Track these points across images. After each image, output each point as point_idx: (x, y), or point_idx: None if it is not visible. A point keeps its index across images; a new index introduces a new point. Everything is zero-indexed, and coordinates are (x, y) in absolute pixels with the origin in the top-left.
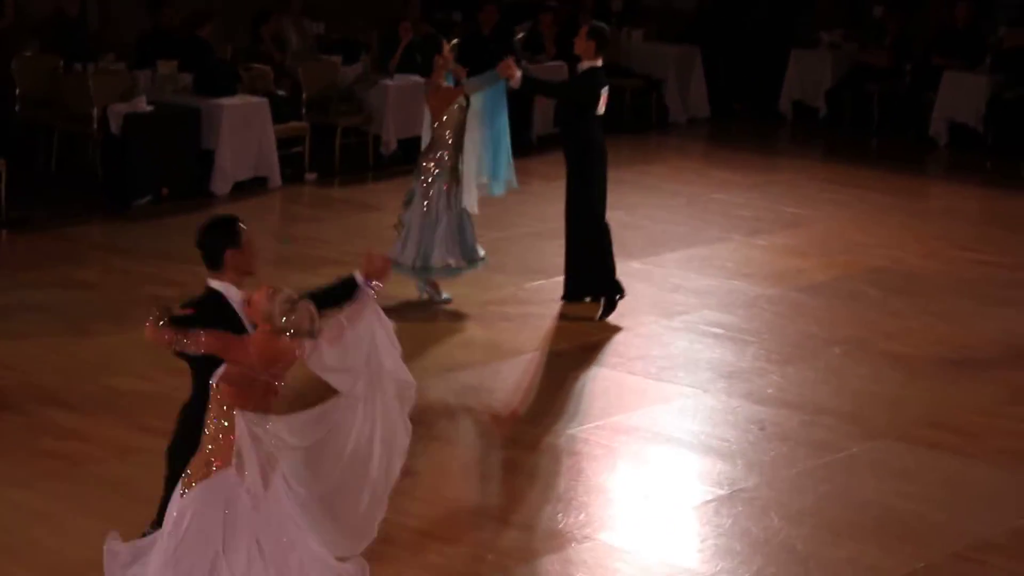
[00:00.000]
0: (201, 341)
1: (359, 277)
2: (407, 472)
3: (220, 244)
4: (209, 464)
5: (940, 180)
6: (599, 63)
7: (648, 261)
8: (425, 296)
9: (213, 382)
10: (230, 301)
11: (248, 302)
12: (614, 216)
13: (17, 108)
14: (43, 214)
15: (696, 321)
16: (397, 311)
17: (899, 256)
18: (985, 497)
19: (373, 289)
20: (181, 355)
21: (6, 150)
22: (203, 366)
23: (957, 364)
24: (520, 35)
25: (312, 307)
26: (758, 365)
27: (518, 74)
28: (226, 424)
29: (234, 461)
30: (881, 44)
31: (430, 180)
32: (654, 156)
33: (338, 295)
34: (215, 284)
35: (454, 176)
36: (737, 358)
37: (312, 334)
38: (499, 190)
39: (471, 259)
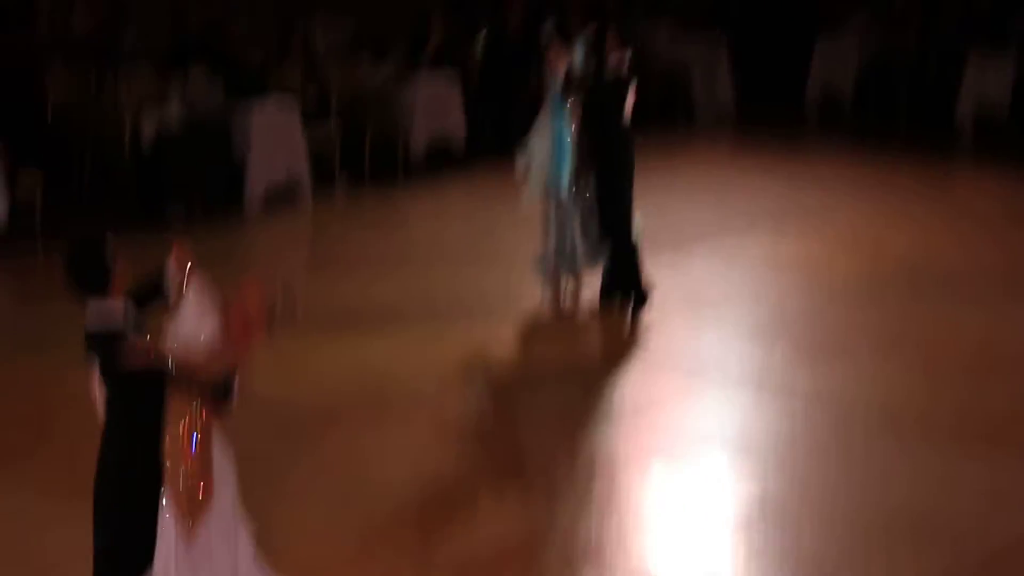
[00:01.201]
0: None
1: None
2: (424, 491)
3: (104, 263)
4: None
5: (967, 168)
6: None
7: (678, 253)
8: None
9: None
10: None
11: (240, 302)
12: (641, 210)
13: (50, 119)
14: (77, 226)
15: (726, 315)
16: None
17: (929, 247)
18: (1017, 494)
19: None
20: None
21: (40, 160)
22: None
23: (986, 358)
24: (549, 29)
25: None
26: (788, 359)
27: (564, 62)
28: None
29: None
30: (907, 30)
31: None
32: (681, 148)
33: None
34: (105, 307)
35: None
36: (767, 353)
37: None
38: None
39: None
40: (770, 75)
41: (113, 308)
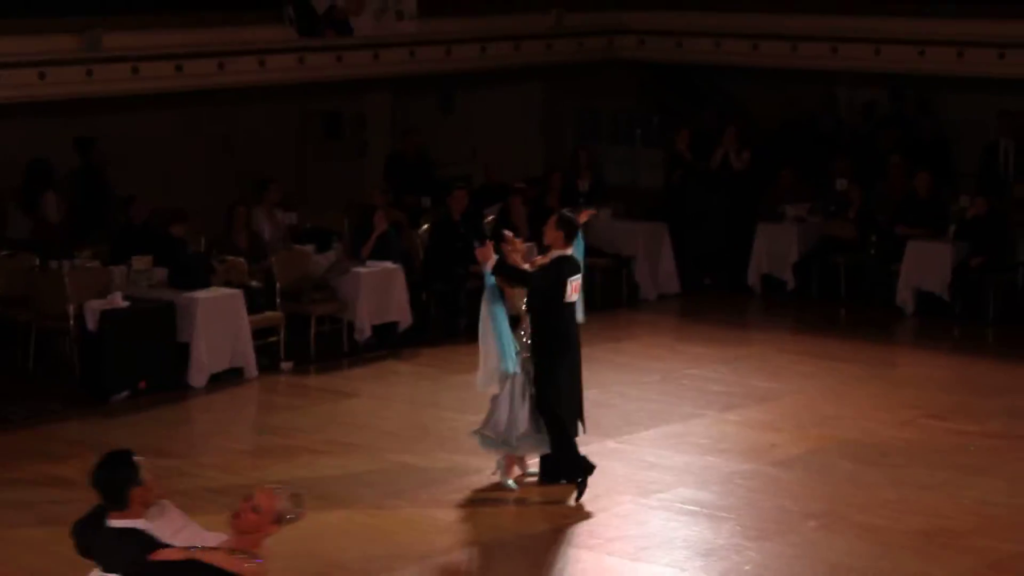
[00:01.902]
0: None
1: None
2: None
3: (124, 483)
4: None
5: (909, 349)
6: (568, 252)
7: (622, 439)
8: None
9: None
10: (153, 537)
11: (249, 510)
12: (587, 395)
13: None
14: (20, 411)
15: (672, 499)
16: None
17: (872, 427)
18: None
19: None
20: None
21: None
22: None
23: (933, 535)
24: (490, 218)
25: (303, 499)
26: (735, 542)
27: (492, 259)
28: None
29: None
30: (846, 216)
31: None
32: (625, 333)
33: None
34: (125, 523)
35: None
36: (714, 535)
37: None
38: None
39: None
40: (711, 261)
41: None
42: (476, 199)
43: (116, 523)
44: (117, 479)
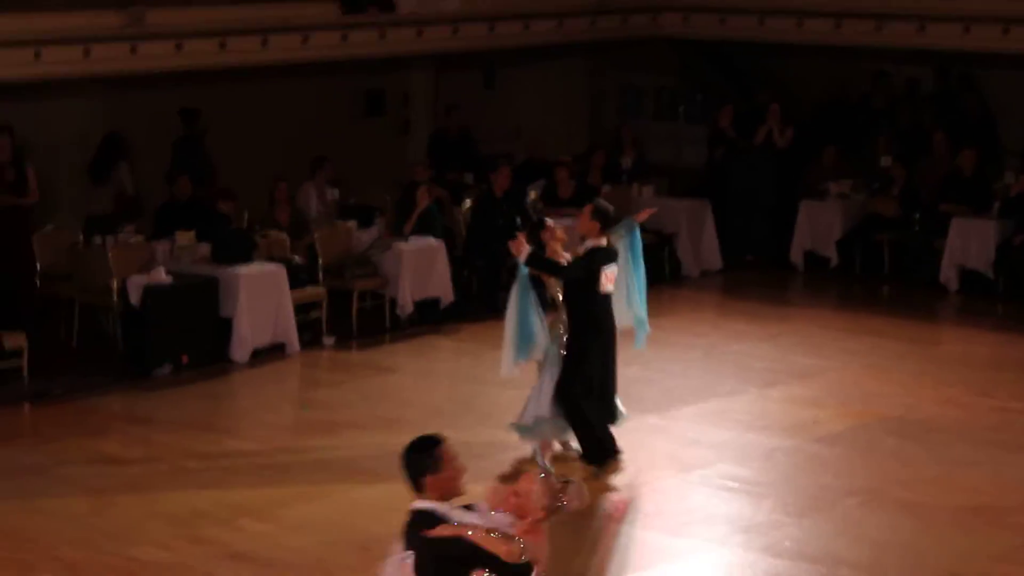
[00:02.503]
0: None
1: None
2: None
3: (418, 470)
4: None
5: (953, 326)
6: (603, 242)
7: (664, 415)
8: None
9: None
10: (443, 517)
11: (514, 495)
12: (629, 372)
13: (38, 282)
14: (65, 386)
15: (713, 475)
16: None
17: (914, 404)
18: None
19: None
20: None
21: (28, 324)
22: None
23: (974, 512)
24: (533, 195)
25: (583, 485)
26: (775, 518)
27: (526, 250)
28: None
29: None
30: (889, 193)
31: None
32: (668, 309)
33: None
34: (422, 505)
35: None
36: (754, 511)
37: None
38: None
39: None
40: (754, 238)
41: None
42: (518, 176)
43: (415, 504)
44: (414, 464)
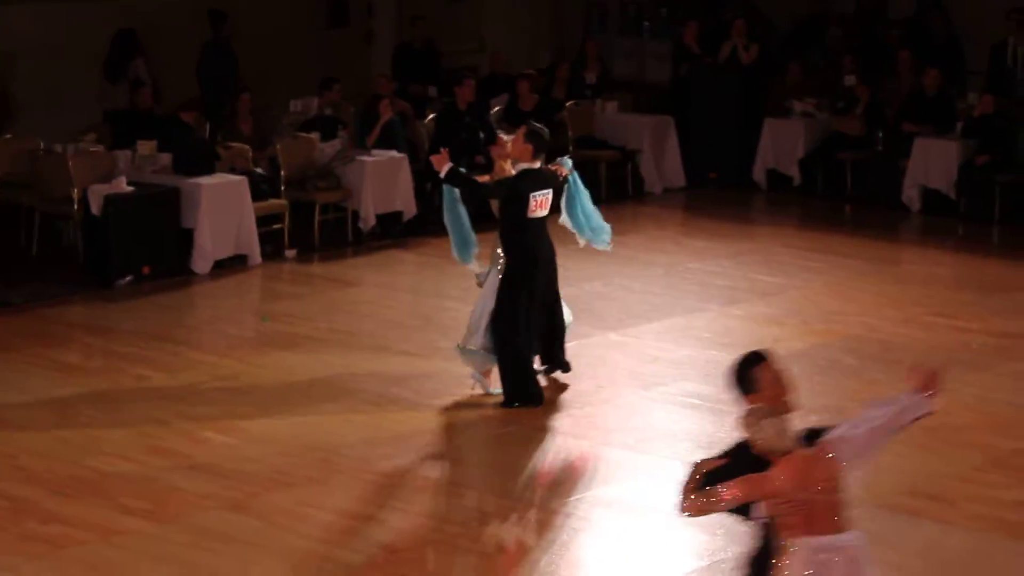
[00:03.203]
0: (724, 500)
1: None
2: (390, 549)
3: (739, 391)
4: None
5: (914, 246)
6: (536, 165)
7: (625, 332)
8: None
9: (758, 522)
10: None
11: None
12: (590, 288)
13: None
14: (25, 295)
15: (674, 392)
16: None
17: (875, 323)
18: (963, 563)
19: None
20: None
21: None
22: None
23: (933, 431)
24: (496, 109)
25: (779, 421)
26: (737, 434)
27: (447, 167)
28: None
29: None
30: (853, 113)
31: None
32: (630, 226)
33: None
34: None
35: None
36: (716, 428)
37: (782, 444)
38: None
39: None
40: (717, 155)
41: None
42: (482, 89)
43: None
44: (734, 386)
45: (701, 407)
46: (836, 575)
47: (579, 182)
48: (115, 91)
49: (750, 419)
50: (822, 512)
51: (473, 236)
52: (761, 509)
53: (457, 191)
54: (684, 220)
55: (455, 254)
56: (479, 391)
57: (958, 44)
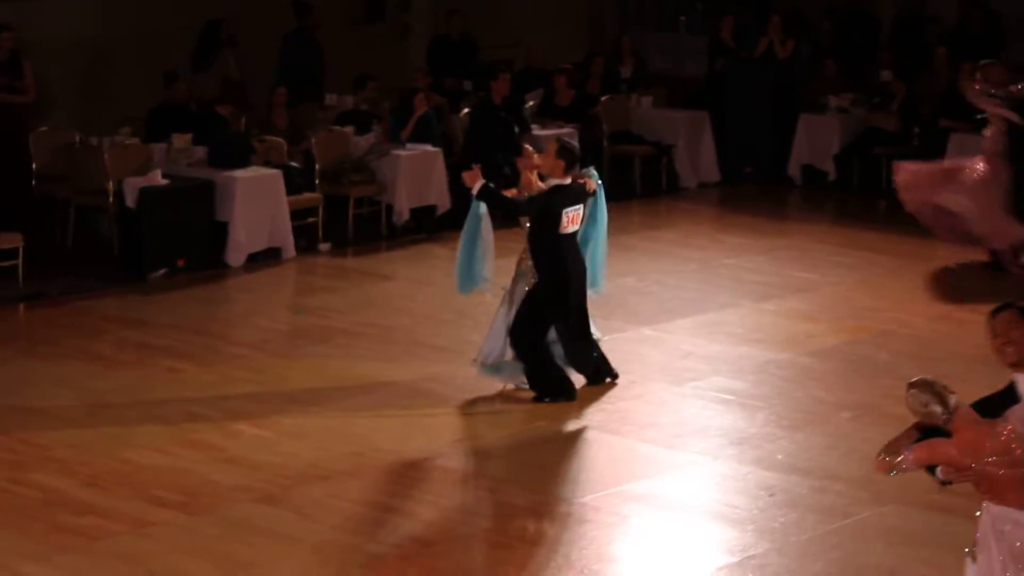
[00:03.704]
0: (908, 462)
1: None
2: (421, 542)
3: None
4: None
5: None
6: (567, 181)
7: (659, 327)
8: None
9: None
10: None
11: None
12: (624, 283)
13: (33, 183)
14: (60, 288)
15: (706, 387)
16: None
17: (909, 320)
18: None
19: None
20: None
21: (23, 225)
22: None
23: None
24: (531, 103)
25: (920, 392)
26: (768, 431)
27: (479, 183)
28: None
29: (971, 552)
30: (889, 108)
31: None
32: (664, 221)
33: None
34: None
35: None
36: (747, 424)
37: (933, 416)
38: None
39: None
40: (752, 150)
41: None
42: (517, 84)
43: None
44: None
45: (733, 403)
46: (1015, 547)
47: (602, 200)
48: (202, 81)
49: (914, 392)
50: (1006, 484)
51: (482, 272)
52: (941, 473)
53: (484, 210)
54: (718, 215)
55: (455, 280)
56: (511, 386)
57: (997, 39)
